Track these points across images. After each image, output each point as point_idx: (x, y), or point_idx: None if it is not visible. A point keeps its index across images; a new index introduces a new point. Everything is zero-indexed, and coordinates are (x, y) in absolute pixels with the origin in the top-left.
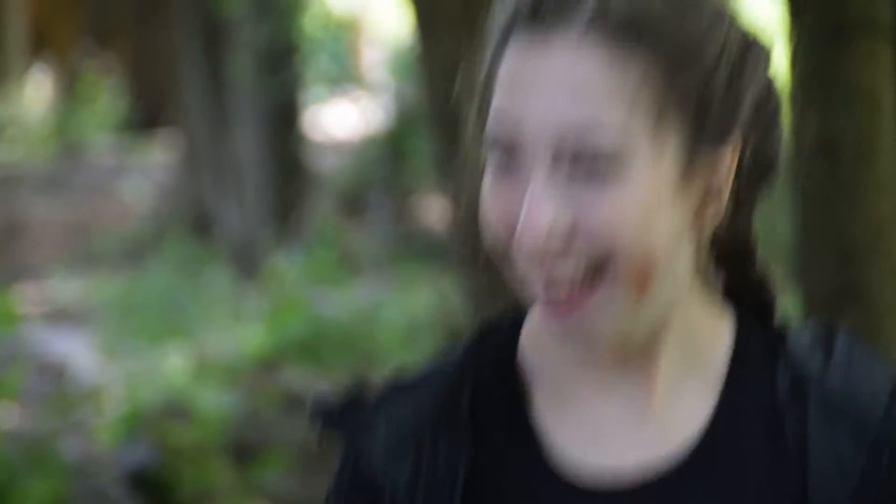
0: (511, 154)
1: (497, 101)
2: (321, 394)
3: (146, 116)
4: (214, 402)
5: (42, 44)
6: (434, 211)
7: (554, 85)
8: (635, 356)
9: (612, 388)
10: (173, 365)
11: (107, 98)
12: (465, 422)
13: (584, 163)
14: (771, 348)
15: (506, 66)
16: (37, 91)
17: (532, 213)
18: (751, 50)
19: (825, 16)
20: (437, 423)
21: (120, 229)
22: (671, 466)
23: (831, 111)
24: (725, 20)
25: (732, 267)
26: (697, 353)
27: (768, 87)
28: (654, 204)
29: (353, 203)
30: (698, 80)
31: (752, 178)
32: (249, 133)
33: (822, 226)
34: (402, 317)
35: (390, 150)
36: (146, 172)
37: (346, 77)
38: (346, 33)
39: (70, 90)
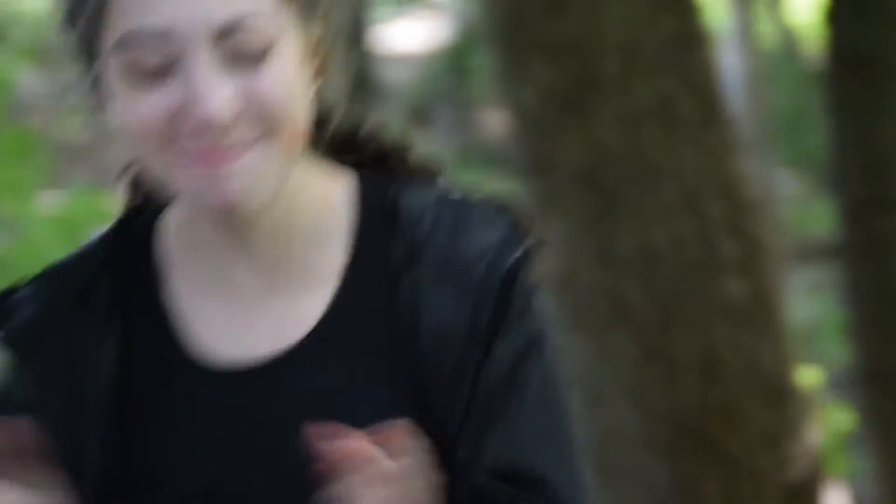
0: (158, 58)
1: (128, 17)
2: None
3: None
4: None
5: None
6: (495, 122)
7: None
8: (262, 247)
9: (242, 285)
10: None
11: None
12: (103, 310)
13: (239, 48)
14: (388, 212)
15: None
16: None
17: (209, 91)
18: None
19: None
20: (75, 311)
21: None
22: (297, 344)
23: (867, 29)
24: None
25: (334, 132)
26: (319, 223)
27: None
28: (295, 74)
29: (419, 115)
30: None
31: (337, 49)
32: None
33: (856, 137)
34: None
35: (454, 64)
36: None
37: None
38: None
39: None
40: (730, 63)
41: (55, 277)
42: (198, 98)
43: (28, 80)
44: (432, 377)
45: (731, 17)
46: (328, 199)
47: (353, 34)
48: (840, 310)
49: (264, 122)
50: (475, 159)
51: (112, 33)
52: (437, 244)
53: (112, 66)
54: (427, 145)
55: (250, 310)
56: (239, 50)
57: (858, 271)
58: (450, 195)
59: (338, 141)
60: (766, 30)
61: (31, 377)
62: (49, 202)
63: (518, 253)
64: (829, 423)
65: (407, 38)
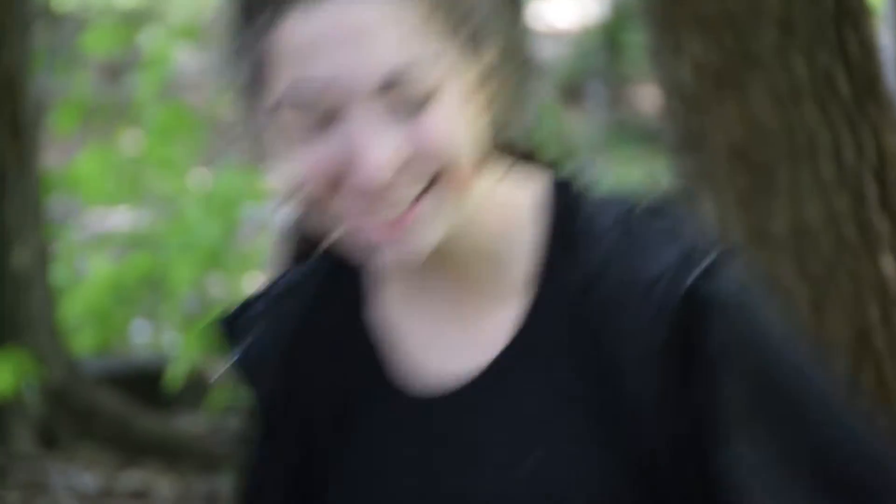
0: (322, 110)
1: (293, 69)
2: (222, 313)
3: None
4: None
5: None
6: (647, 98)
7: (352, 39)
8: (451, 268)
9: (436, 304)
10: None
11: None
12: (326, 332)
13: (401, 97)
14: (571, 225)
15: (287, 35)
16: None
17: (369, 151)
18: None
19: None
20: (301, 334)
21: None
22: (490, 364)
23: None
24: None
25: (515, 149)
26: (507, 236)
27: None
28: (458, 114)
29: (572, 90)
30: None
31: (507, 75)
32: None
33: None
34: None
35: (607, 40)
36: None
37: None
38: None
39: None
40: (888, 41)
41: (282, 298)
42: (357, 157)
43: (183, 58)
44: (619, 407)
45: None
46: (516, 209)
47: (511, 11)
48: None
49: (430, 170)
50: (627, 135)
51: (275, 82)
52: (615, 266)
53: (277, 115)
54: (579, 121)
55: (446, 326)
56: (401, 100)
57: None
58: (630, 208)
59: (522, 151)
60: None
61: (265, 400)
62: (201, 179)
63: (699, 268)
64: None
65: (562, 14)
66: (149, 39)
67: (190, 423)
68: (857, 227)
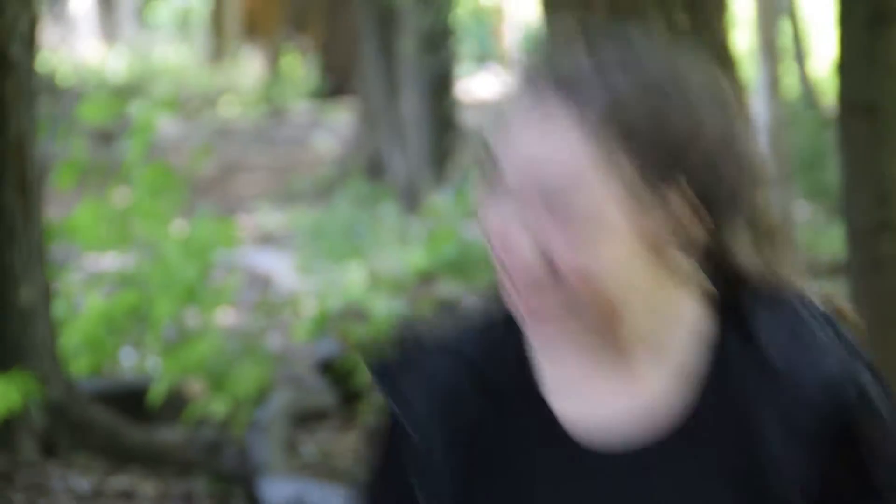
0: (498, 178)
1: (494, 136)
2: (377, 353)
3: (334, 86)
4: (385, 307)
5: (253, 29)
6: None
7: (534, 149)
8: (610, 332)
9: (597, 369)
10: (353, 278)
11: (303, 72)
12: (488, 391)
13: (554, 213)
14: (741, 320)
15: (509, 107)
16: (249, 66)
17: (512, 243)
18: (717, 112)
19: (868, 5)
20: (465, 389)
21: (312, 173)
22: (666, 436)
23: (872, 82)
24: (705, 106)
25: (716, 269)
26: (666, 338)
27: (719, 135)
28: (620, 255)
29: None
30: (660, 155)
31: (715, 206)
32: (414, 98)
33: (863, 172)
34: None
35: None
36: (333, 129)
37: (489, 54)
38: (490, 19)
39: (275, 66)
40: (759, 110)
41: (442, 357)
42: (507, 240)
43: (165, 125)
44: (768, 497)
45: (762, 71)
46: (676, 312)
47: (444, 85)
48: None
49: (564, 292)
50: None
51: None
52: (785, 369)
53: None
54: None
55: (610, 390)
56: (558, 214)
57: (861, 287)
58: (796, 314)
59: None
60: (790, 82)
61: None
62: (179, 228)
63: (859, 386)
64: None
65: (483, 87)
66: (136, 110)
67: (169, 434)
68: None
